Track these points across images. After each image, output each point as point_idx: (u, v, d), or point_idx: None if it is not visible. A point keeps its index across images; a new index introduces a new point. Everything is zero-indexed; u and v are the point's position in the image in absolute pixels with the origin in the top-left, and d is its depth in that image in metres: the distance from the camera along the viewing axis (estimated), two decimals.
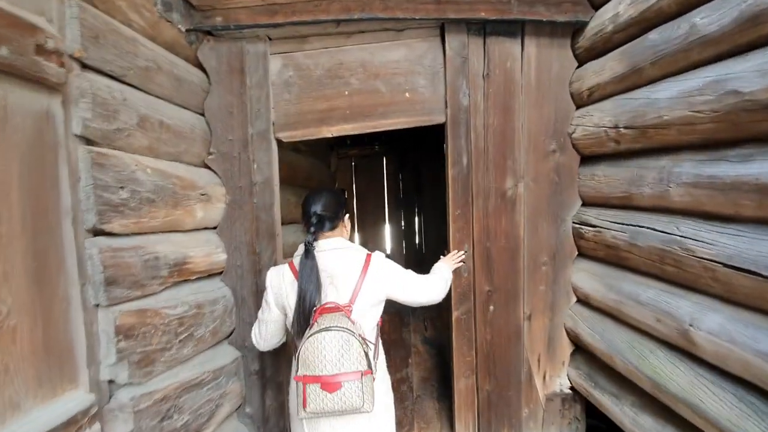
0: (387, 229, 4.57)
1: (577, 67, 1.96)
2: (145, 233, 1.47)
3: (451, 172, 1.98)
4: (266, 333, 1.50)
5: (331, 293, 1.37)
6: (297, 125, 1.97)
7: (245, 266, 1.95)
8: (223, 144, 1.92)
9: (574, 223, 2.02)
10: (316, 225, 1.39)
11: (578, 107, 1.97)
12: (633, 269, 1.66)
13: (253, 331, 1.55)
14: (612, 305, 1.74)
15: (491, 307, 2.04)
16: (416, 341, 2.95)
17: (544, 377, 2.11)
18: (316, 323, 1.26)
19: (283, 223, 2.08)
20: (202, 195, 1.77)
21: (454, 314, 2.04)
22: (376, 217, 4.51)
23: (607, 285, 1.78)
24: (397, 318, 3.23)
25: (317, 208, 1.41)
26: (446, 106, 1.97)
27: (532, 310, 2.07)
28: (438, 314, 3.29)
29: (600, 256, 1.87)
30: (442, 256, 1.98)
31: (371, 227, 4.51)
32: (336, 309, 1.31)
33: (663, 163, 1.49)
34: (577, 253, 2.04)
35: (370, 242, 4.50)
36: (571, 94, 1.97)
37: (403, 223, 4.53)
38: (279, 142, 1.99)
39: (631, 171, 1.65)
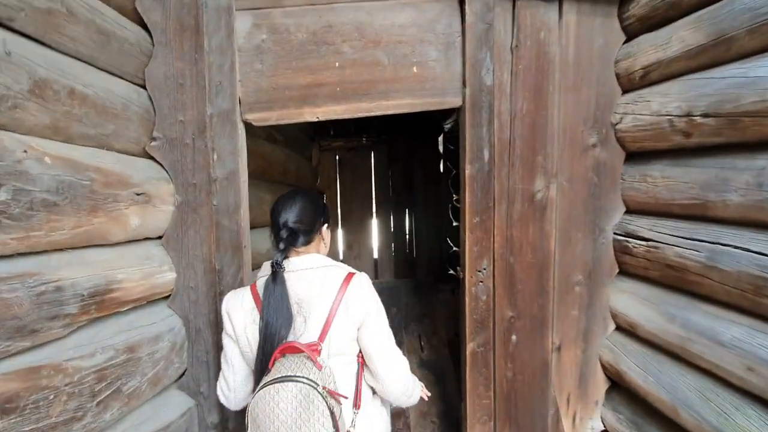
0: (374, 231, 4.15)
1: (626, 42, 1.57)
2: (40, 253, 1.00)
3: (468, 170, 1.56)
4: (234, 381, 1.07)
5: (298, 326, 1.02)
6: (271, 104, 1.51)
7: (201, 288, 1.49)
8: (172, 127, 1.45)
9: (616, 234, 1.64)
10: (286, 240, 1.05)
11: (625, 91, 1.59)
12: (707, 298, 1.30)
13: (219, 386, 1.10)
14: (674, 341, 1.37)
15: (514, 337, 1.65)
16: (412, 364, 2.55)
17: (574, 419, 1.74)
18: (272, 369, 0.96)
19: (253, 227, 1.63)
20: (139, 195, 1.30)
21: (468, 347, 1.63)
22: (363, 216, 4.08)
23: (667, 315, 1.41)
24: None
25: (289, 217, 1.06)
26: (464, 85, 1.55)
27: (561, 339, 1.69)
28: (433, 330, 2.90)
29: (654, 277, 1.50)
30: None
31: (357, 228, 4.08)
32: (298, 350, 0.97)
33: (762, 164, 1.11)
34: (617, 270, 1.67)
35: (355, 244, 4.07)
36: (617, 75, 1.59)
37: (392, 224, 4.11)
38: (248, 126, 1.53)
39: (708, 172, 1.27)
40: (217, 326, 1.47)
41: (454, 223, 4.08)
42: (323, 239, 1.16)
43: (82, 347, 1.08)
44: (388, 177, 4.07)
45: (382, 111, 1.55)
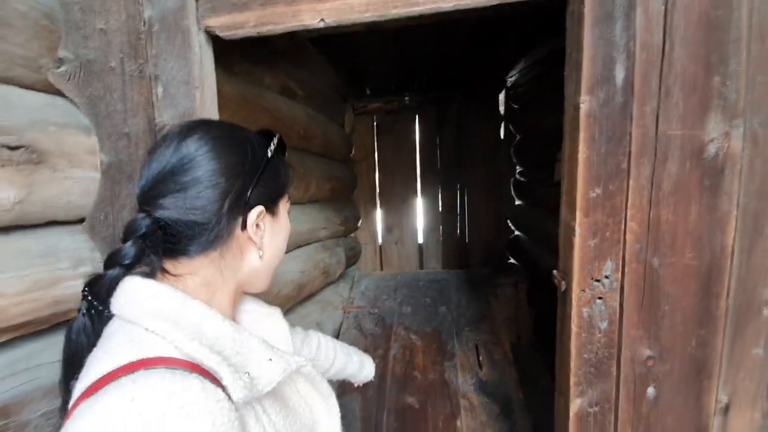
0: (419, 211, 3.51)
1: None
2: None
3: (585, 104, 0.89)
4: None
5: None
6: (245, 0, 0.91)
7: None
8: (88, 41, 0.89)
9: None
10: (136, 245, 0.53)
11: None
12: None
13: None
14: None
15: (651, 391, 0.99)
16: (466, 387, 1.95)
17: None
18: None
19: None
20: (14, 149, 0.76)
21: (573, 406, 0.99)
22: (405, 194, 3.44)
23: None
24: (435, 343, 2.22)
25: (145, 186, 0.55)
26: None
27: (732, 395, 1.01)
28: (494, 339, 2.26)
29: None
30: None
31: (398, 208, 3.46)
32: None
33: None
34: None
35: (396, 227, 3.47)
36: None
37: (440, 203, 3.45)
38: (215, 41, 0.95)
39: None
40: None
41: (517, 202, 3.37)
42: (252, 240, 0.59)
43: None
44: (436, 146, 3.38)
45: (435, 5, 0.91)
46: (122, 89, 0.90)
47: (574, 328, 0.96)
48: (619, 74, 0.87)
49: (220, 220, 0.54)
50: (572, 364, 0.98)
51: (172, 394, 0.39)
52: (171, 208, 0.52)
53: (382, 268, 3.53)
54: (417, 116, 3.30)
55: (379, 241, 3.51)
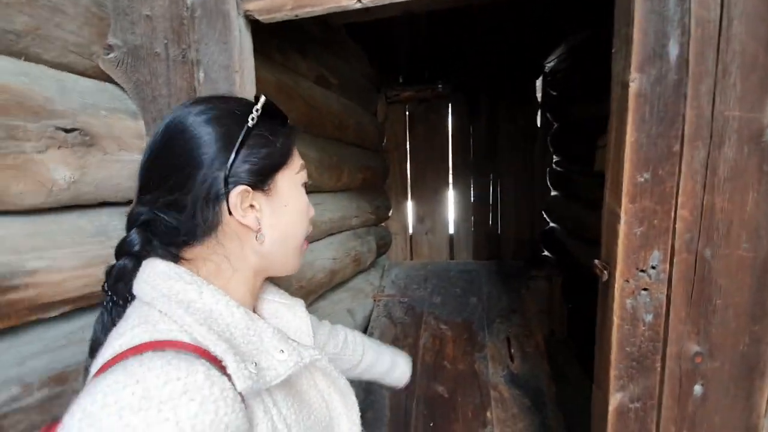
0: (450, 201, 3.47)
1: None
2: None
3: (635, 82, 0.84)
4: None
5: None
6: None
7: None
8: (135, 26, 0.93)
9: None
10: (140, 233, 0.56)
11: None
12: None
13: None
14: None
15: (698, 389, 0.94)
16: (497, 379, 1.92)
17: None
18: None
19: None
20: (69, 131, 0.81)
21: (613, 400, 0.96)
22: (437, 183, 3.40)
23: None
24: (465, 334, 2.20)
25: (138, 176, 0.56)
26: None
27: None
28: (526, 332, 2.22)
29: None
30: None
31: (430, 198, 3.43)
32: None
33: None
34: None
35: (428, 217, 3.44)
36: None
37: (472, 193, 3.39)
38: (254, 24, 0.97)
39: None
40: None
41: (552, 193, 3.26)
42: (242, 224, 0.55)
43: None
44: (469, 134, 3.31)
45: None
46: (166, 74, 0.93)
47: (616, 320, 0.93)
48: (673, 51, 0.82)
49: (194, 209, 0.51)
50: (613, 357, 0.94)
51: (176, 379, 0.38)
52: (153, 201, 0.53)
53: (412, 258, 3.52)
54: (450, 105, 3.25)
55: (410, 230, 3.50)
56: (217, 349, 0.45)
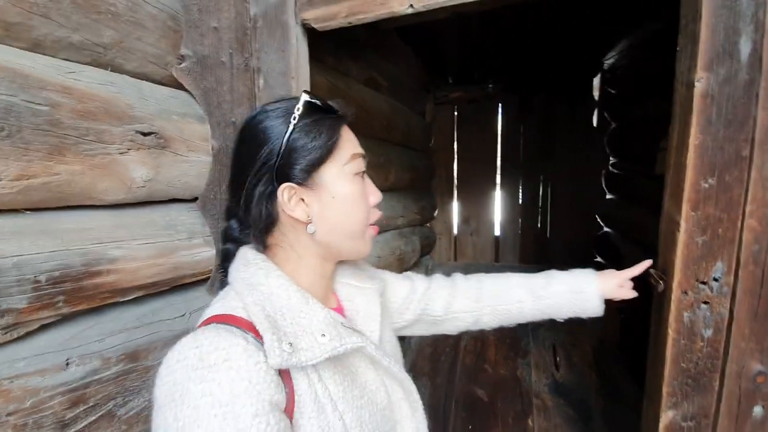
0: (497, 203, 3.40)
1: None
2: None
3: (700, 84, 0.80)
4: None
5: None
6: None
7: None
8: (203, 38, 1.01)
9: None
10: (236, 222, 0.66)
11: None
12: None
13: None
14: None
15: (758, 410, 0.87)
16: (540, 387, 1.87)
17: None
18: None
19: None
20: (146, 135, 0.90)
21: (664, 417, 0.91)
22: (484, 184, 3.35)
23: None
24: (508, 339, 2.15)
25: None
26: None
27: None
28: (573, 340, 2.13)
29: None
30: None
31: (476, 199, 3.38)
32: None
33: None
34: None
35: (473, 218, 3.40)
36: None
37: (521, 195, 3.30)
38: (310, 32, 1.02)
39: None
40: None
41: (608, 196, 3.10)
42: (293, 218, 0.59)
43: (41, 357, 0.73)
44: (519, 135, 3.23)
45: None
46: (230, 81, 1.01)
47: (671, 334, 0.88)
48: (745, 48, 0.77)
49: (249, 208, 0.59)
50: (666, 373, 0.90)
51: (222, 348, 0.47)
52: (235, 196, 0.62)
53: (456, 259, 3.49)
54: (500, 105, 3.18)
55: (455, 231, 3.47)
56: (261, 327, 0.51)
